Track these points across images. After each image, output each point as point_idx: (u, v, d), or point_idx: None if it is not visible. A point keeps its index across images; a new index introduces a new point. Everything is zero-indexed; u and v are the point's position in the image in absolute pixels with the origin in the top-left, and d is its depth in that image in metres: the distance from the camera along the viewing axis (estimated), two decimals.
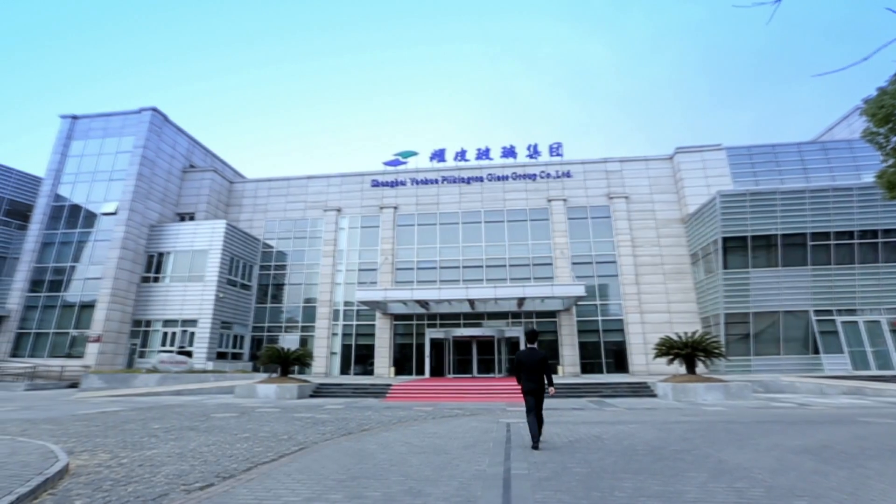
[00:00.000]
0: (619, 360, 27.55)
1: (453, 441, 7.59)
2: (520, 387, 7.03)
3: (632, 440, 7.44)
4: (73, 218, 28.51)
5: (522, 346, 28.14)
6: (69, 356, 25.70)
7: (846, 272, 23.15)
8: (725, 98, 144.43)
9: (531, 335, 7.22)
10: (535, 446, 6.69)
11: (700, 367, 19.63)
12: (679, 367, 18.14)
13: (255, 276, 31.75)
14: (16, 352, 26.22)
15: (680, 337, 17.31)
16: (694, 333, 17.35)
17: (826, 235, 23.44)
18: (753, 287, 23.77)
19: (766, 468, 5.36)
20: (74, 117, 30.68)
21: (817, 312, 23.15)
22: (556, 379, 22.46)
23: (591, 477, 4.97)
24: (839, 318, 23.00)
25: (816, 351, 22.79)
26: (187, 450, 6.92)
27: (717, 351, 16.56)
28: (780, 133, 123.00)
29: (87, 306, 26.43)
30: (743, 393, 15.30)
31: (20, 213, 30.05)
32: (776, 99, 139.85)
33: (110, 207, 27.96)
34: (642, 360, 26.60)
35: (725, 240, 24.21)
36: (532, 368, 6.95)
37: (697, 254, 27.10)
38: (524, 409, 7.36)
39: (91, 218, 28.27)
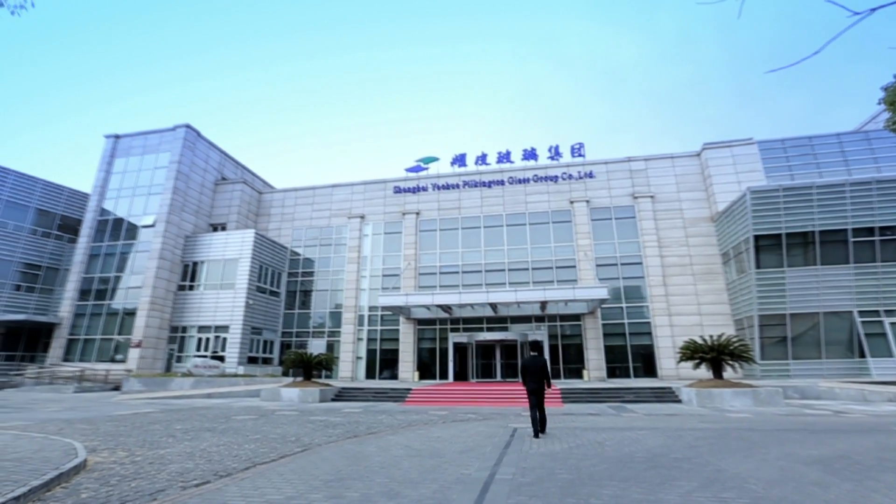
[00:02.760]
0: (647, 364, 26.71)
1: (453, 445, 7.65)
2: (525, 388, 8.50)
3: (634, 447, 7.28)
4: (117, 231, 30.41)
5: (546, 351, 27.81)
6: (113, 360, 27.36)
7: (894, 270, 21.61)
8: (761, 92, 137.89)
9: (533, 345, 9.08)
10: (536, 435, 8.15)
11: (730, 372, 18.83)
12: (707, 372, 17.46)
13: (284, 282, 32.81)
14: (67, 356, 28.15)
15: (705, 340, 16.66)
16: (720, 336, 16.65)
17: (870, 231, 21.99)
18: (790, 287, 22.55)
19: (765, 479, 5.15)
20: (117, 136, 32.79)
21: (862, 313, 21.71)
22: (580, 384, 22.05)
23: (573, 483, 4.93)
24: (887, 320, 21.48)
25: (862, 354, 21.36)
26: (198, 449, 7.29)
27: (745, 354, 15.83)
28: (819, 126, 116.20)
29: (130, 313, 28.08)
30: (773, 399, 14.55)
31: (70, 228, 32.31)
32: (814, 91, 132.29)
33: (149, 220, 29.66)
34: (671, 363, 25.69)
35: (757, 238, 23.12)
36: (534, 372, 8.35)
37: (728, 253, 25.99)
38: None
39: (133, 230, 30.07)
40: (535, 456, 6.53)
